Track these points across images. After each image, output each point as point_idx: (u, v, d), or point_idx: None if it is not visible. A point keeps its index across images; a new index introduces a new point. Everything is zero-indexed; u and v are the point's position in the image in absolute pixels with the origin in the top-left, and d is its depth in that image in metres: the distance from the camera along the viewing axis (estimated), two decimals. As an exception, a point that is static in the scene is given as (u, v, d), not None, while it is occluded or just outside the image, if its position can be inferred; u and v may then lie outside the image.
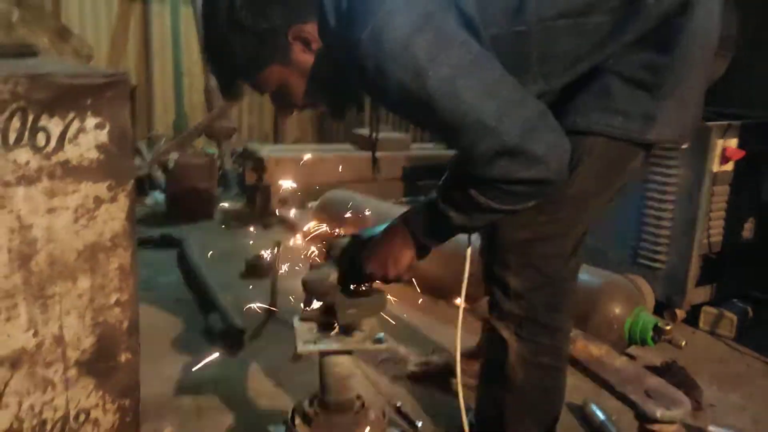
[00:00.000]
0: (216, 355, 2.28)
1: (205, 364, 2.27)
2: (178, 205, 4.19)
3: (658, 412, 1.40)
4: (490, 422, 1.58)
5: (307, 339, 1.58)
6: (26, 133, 1.08)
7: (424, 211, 1.39)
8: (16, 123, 1.07)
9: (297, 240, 2.69)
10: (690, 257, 2.75)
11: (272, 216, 4.13)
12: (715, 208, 2.77)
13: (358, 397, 1.67)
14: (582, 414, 2.15)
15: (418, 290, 2.56)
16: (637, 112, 1.32)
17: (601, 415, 2.07)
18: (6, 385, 1.14)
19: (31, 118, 1.08)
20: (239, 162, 4.92)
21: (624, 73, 1.31)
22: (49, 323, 1.17)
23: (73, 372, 1.21)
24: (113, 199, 1.19)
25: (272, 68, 1.34)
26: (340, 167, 4.19)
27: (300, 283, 1.64)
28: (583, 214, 1.40)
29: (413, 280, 2.60)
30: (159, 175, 4.74)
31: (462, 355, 2.08)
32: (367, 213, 3.08)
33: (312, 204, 3.95)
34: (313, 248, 2.04)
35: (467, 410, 1.89)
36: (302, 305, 1.62)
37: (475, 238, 1.56)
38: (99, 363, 1.24)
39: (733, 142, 2.69)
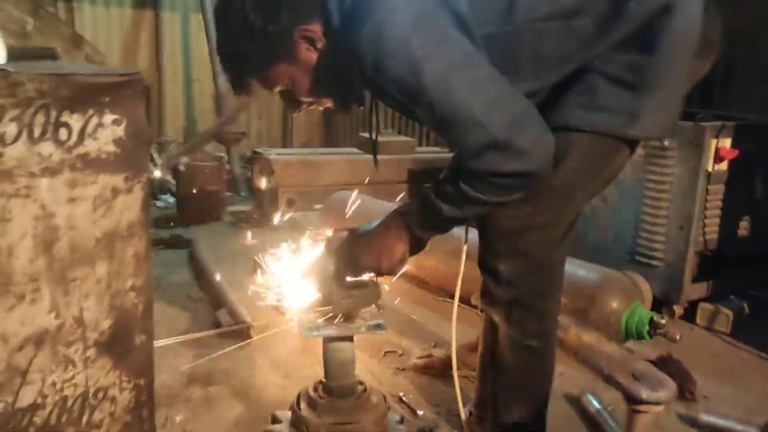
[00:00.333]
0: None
1: (214, 357, 2.36)
2: (188, 207, 4.28)
3: (644, 394, 1.47)
4: (484, 404, 1.65)
5: (310, 326, 1.67)
6: (50, 128, 1.17)
7: (418, 205, 1.47)
8: (40, 118, 1.16)
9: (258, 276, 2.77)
10: (686, 255, 2.81)
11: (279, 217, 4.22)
12: (710, 207, 2.83)
13: (361, 382, 1.75)
14: (578, 404, 2.22)
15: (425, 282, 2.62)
16: (621, 109, 1.39)
17: (596, 404, 2.15)
18: (30, 362, 1.23)
19: (54, 114, 1.17)
20: (248, 166, 5.01)
21: (609, 72, 1.38)
22: (70, 306, 1.25)
23: (92, 352, 1.30)
24: (129, 191, 1.28)
25: (280, 66, 1.44)
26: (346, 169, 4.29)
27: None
28: (570, 205, 1.47)
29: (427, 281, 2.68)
30: (169, 179, 4.84)
31: (462, 347, 2.17)
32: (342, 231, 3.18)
33: (318, 205, 4.04)
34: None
35: (467, 401, 1.97)
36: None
37: (473, 237, 1.63)
38: (116, 344, 1.32)
39: (727, 142, 2.75)
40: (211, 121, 5.68)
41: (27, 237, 1.18)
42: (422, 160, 4.73)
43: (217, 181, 4.40)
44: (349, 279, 1.63)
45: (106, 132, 1.23)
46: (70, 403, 1.29)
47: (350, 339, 1.69)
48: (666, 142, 2.69)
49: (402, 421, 1.80)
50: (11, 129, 1.13)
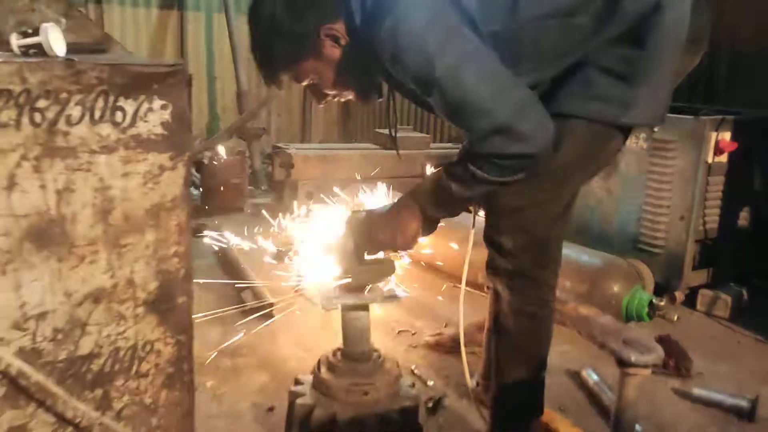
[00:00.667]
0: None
1: (239, 333, 2.54)
2: (212, 199, 4.47)
3: (633, 357, 1.61)
4: (488, 367, 1.81)
5: (330, 297, 1.84)
6: (108, 111, 1.34)
7: (430, 186, 1.63)
8: (100, 103, 1.33)
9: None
10: (687, 243, 2.95)
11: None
12: (710, 197, 2.96)
13: (375, 350, 1.92)
14: (579, 378, 2.38)
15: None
16: (614, 98, 1.54)
17: (595, 377, 2.30)
18: (89, 316, 1.40)
19: (111, 99, 1.34)
20: (268, 160, 5.20)
21: (604, 65, 1.52)
22: (123, 268, 1.43)
23: (140, 309, 1.47)
24: (173, 168, 1.45)
25: (307, 62, 1.61)
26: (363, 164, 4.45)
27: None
28: (567, 185, 1.62)
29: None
30: (194, 172, 5.04)
31: (470, 326, 2.33)
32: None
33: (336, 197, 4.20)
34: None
35: (474, 373, 2.13)
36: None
37: (480, 225, 1.78)
38: (161, 303, 1.49)
39: (727, 136, 2.89)
40: (233, 118, 5.87)
41: (87, 206, 1.36)
42: (436, 156, 4.88)
43: (239, 175, 4.59)
44: (367, 255, 1.79)
45: (155, 115, 1.40)
46: (121, 353, 1.46)
47: (366, 308, 1.85)
48: (656, 129, 2.83)
49: (413, 386, 1.96)
50: (76, 112, 1.30)
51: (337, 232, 1.95)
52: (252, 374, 2.35)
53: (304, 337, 2.64)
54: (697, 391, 2.26)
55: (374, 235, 1.71)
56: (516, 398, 1.74)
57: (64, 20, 5.27)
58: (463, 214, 1.71)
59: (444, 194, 1.59)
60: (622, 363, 1.63)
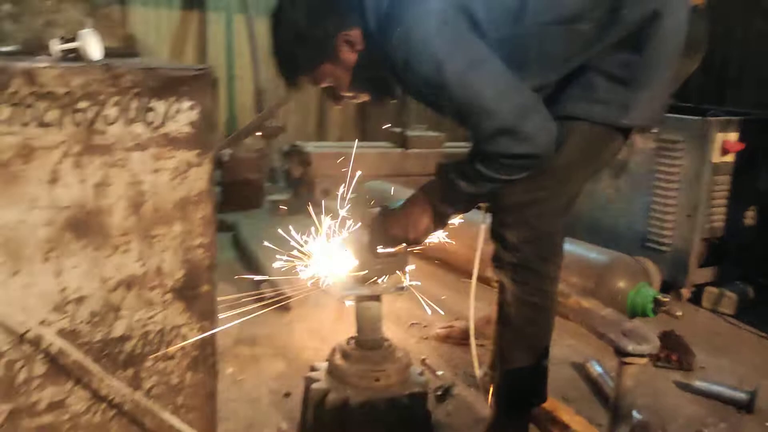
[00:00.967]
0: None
1: (258, 323, 2.65)
2: (231, 195, 4.59)
3: (630, 347, 1.70)
4: (494, 356, 1.90)
5: (344, 288, 1.94)
6: (141, 112, 1.45)
7: (440, 183, 1.73)
8: (134, 104, 1.44)
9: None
10: (693, 241, 3.01)
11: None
12: (716, 196, 3.03)
13: (387, 339, 2.02)
14: (583, 370, 2.46)
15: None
16: (614, 101, 1.62)
17: (599, 369, 2.38)
18: (122, 301, 1.52)
19: (144, 100, 1.45)
20: (286, 158, 5.31)
21: (605, 69, 1.61)
22: (153, 257, 1.54)
23: (168, 296, 1.58)
24: (199, 164, 1.56)
25: (325, 66, 1.71)
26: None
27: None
28: (570, 183, 1.71)
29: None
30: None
31: (480, 320, 2.43)
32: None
33: (351, 194, 4.30)
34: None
35: (482, 364, 2.23)
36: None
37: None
38: (187, 291, 1.60)
39: (732, 136, 2.95)
40: (252, 117, 5.98)
41: (121, 199, 1.47)
42: (450, 155, 4.96)
43: (258, 171, 4.70)
44: (380, 249, 1.89)
45: (183, 115, 1.52)
46: (151, 336, 1.58)
47: (379, 299, 1.96)
48: (655, 130, 2.91)
49: (422, 373, 2.06)
50: (112, 112, 1.42)
51: (353, 227, 2.06)
52: (270, 362, 2.46)
53: (319, 329, 2.74)
54: (697, 384, 2.33)
55: (388, 230, 1.80)
56: (518, 385, 1.83)
57: (89, 20, 5.43)
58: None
59: (452, 191, 1.68)
60: (620, 352, 1.72)
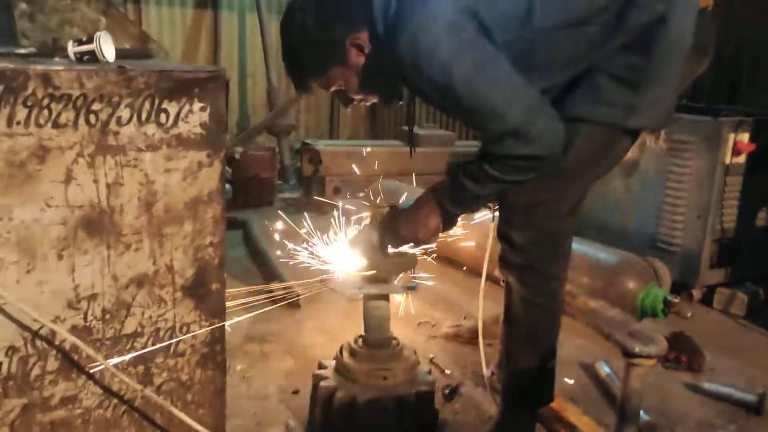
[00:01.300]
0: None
1: (268, 321, 2.68)
2: (242, 192, 4.63)
3: (637, 348, 1.70)
4: (501, 356, 1.91)
5: (353, 286, 1.96)
6: (153, 113, 1.48)
7: (448, 184, 1.74)
8: (147, 105, 1.47)
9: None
10: (703, 242, 3.00)
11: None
12: (728, 197, 3.01)
13: (395, 338, 2.03)
14: (591, 371, 2.46)
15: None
16: (621, 103, 1.62)
17: (607, 369, 2.39)
18: (134, 298, 1.55)
19: (157, 102, 1.47)
20: (298, 156, 5.34)
21: (611, 72, 1.61)
22: (164, 255, 1.56)
23: (179, 294, 1.61)
24: (210, 164, 1.58)
25: (334, 70, 1.72)
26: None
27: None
28: (576, 184, 1.71)
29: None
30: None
31: (488, 319, 2.43)
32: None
33: (362, 193, 4.32)
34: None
35: (490, 363, 2.24)
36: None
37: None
38: (197, 289, 1.63)
39: (745, 137, 2.93)
40: (264, 115, 6.02)
41: (134, 198, 1.50)
42: (461, 153, 4.96)
43: (269, 169, 4.74)
44: (390, 249, 1.90)
45: (195, 117, 1.54)
46: (161, 333, 1.61)
47: (387, 298, 1.97)
48: (661, 133, 2.90)
49: (430, 372, 2.07)
50: (126, 113, 1.45)
51: (363, 227, 2.08)
52: (279, 360, 2.48)
53: (328, 327, 2.77)
54: (707, 385, 2.33)
55: (397, 230, 1.82)
56: (524, 386, 1.84)
57: (103, 19, 5.48)
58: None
59: (461, 191, 1.69)
60: (627, 353, 1.72)
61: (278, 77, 5.66)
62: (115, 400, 1.57)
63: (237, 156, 4.69)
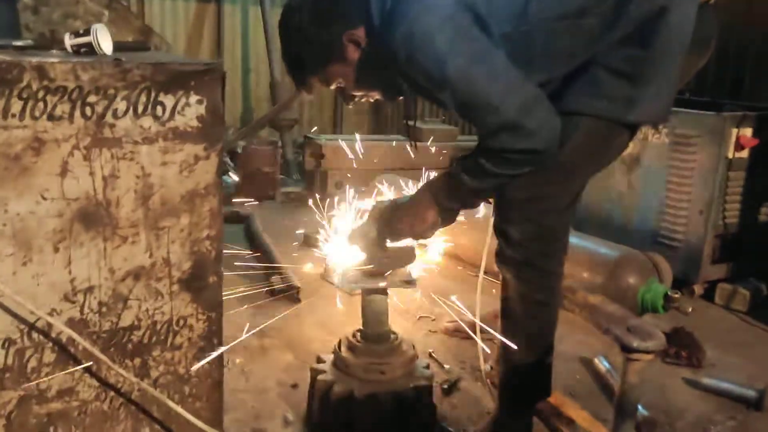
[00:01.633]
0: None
1: (267, 315, 2.68)
2: (244, 187, 4.62)
3: (635, 343, 1.69)
4: (499, 352, 1.91)
5: (351, 281, 1.96)
6: (149, 106, 1.48)
7: (445, 178, 1.73)
8: (143, 98, 1.46)
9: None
10: (705, 237, 2.99)
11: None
12: (730, 192, 2.99)
13: (393, 332, 2.03)
14: (591, 366, 2.46)
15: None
16: (620, 97, 1.61)
17: (606, 364, 2.38)
18: (130, 291, 1.55)
19: (153, 94, 1.47)
20: (300, 150, 5.34)
21: (610, 65, 1.60)
22: (160, 248, 1.56)
23: (176, 287, 1.61)
24: (207, 157, 1.57)
25: (333, 66, 1.72)
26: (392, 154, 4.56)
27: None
28: (573, 178, 1.70)
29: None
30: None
31: (487, 314, 2.43)
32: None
33: (364, 187, 4.31)
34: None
35: (488, 358, 2.23)
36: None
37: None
38: (194, 282, 1.62)
39: (748, 132, 2.91)
40: (267, 109, 6.02)
41: (130, 191, 1.50)
42: (464, 148, 4.95)
43: (271, 164, 4.73)
44: (388, 243, 1.90)
45: (192, 110, 1.53)
46: (158, 327, 1.61)
47: (385, 293, 1.97)
48: (660, 127, 2.89)
49: (428, 367, 2.07)
50: (122, 106, 1.44)
51: (361, 221, 2.07)
52: (278, 354, 2.49)
53: (328, 321, 2.77)
54: (706, 381, 2.32)
55: (395, 224, 1.82)
56: (521, 380, 1.84)
57: (106, 12, 5.47)
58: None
59: (457, 186, 1.69)
60: (625, 349, 1.72)
61: (281, 71, 5.64)
62: (112, 393, 1.58)
63: (239, 151, 4.68)
